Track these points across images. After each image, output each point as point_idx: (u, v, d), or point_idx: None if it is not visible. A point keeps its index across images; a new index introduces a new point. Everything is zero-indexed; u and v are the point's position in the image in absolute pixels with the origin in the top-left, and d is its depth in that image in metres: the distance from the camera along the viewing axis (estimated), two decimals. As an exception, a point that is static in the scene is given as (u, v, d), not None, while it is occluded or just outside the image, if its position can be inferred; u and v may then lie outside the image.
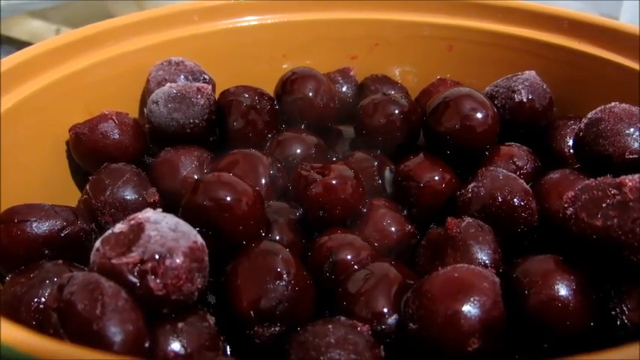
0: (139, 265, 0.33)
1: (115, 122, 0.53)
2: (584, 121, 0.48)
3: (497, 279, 0.37)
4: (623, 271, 0.36)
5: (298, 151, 0.55)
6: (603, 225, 0.36)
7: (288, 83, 0.59)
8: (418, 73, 0.69)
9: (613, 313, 0.36)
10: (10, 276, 0.39)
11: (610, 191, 0.36)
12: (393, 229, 0.47)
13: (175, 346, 0.34)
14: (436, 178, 0.50)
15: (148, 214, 0.36)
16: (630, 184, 0.36)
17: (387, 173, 0.54)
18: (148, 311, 0.33)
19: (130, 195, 0.49)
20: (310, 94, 0.58)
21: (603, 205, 0.36)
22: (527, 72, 0.55)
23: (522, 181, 0.46)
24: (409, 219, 0.49)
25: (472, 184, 0.46)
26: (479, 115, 0.50)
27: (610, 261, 0.36)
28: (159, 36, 0.62)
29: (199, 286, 0.36)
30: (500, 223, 0.44)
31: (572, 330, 0.36)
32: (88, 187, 0.50)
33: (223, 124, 0.57)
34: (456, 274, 0.36)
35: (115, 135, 0.52)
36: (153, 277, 0.33)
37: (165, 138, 0.54)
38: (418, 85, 0.67)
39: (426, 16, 0.66)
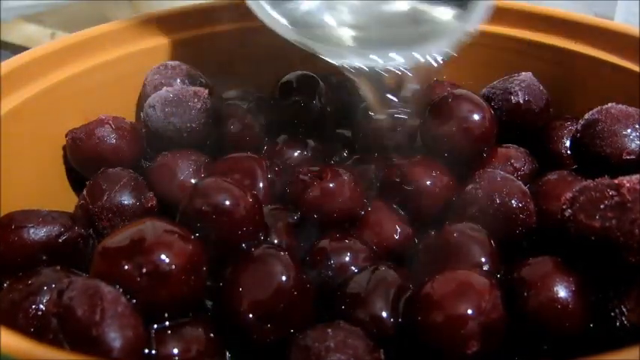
0: (138, 270, 0.33)
1: (111, 127, 0.52)
2: (581, 122, 0.48)
3: (495, 281, 0.37)
4: (622, 272, 0.36)
5: (296, 154, 0.55)
6: (602, 226, 0.36)
7: (285, 86, 0.59)
8: (415, 75, 0.68)
9: (612, 314, 0.36)
10: (7, 283, 0.39)
11: (608, 192, 0.36)
12: (391, 232, 0.47)
13: (175, 351, 0.35)
14: (434, 180, 0.50)
15: (147, 220, 0.36)
16: (628, 185, 0.36)
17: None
18: (147, 316, 0.33)
19: (127, 200, 0.49)
20: (308, 97, 0.58)
21: (601, 206, 0.36)
22: (523, 73, 0.56)
23: (520, 182, 0.46)
24: (407, 222, 0.49)
25: (470, 186, 0.46)
26: (476, 117, 0.50)
27: (609, 262, 0.36)
28: (155, 39, 0.62)
29: (198, 292, 0.36)
30: (499, 224, 0.44)
31: (571, 331, 0.36)
32: (85, 192, 0.49)
33: (220, 127, 0.57)
34: (454, 278, 0.36)
35: (112, 140, 0.52)
36: (152, 282, 0.33)
37: (162, 142, 0.54)
38: (415, 87, 0.67)
39: (422, 18, 0.66)
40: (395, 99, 0.48)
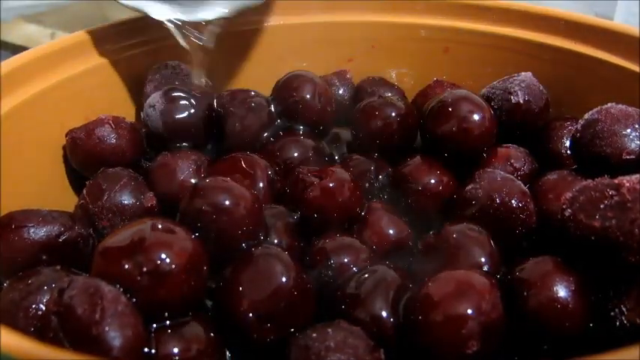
0: (138, 269, 0.33)
1: (111, 127, 0.52)
2: (581, 122, 0.48)
3: (495, 281, 0.37)
4: (622, 272, 0.36)
5: (295, 154, 0.55)
6: (601, 226, 0.36)
7: (285, 86, 0.59)
8: (415, 75, 0.69)
9: (612, 313, 0.36)
10: (7, 282, 0.39)
11: (608, 192, 0.36)
12: (391, 232, 0.47)
13: (175, 351, 0.35)
14: (434, 180, 0.50)
15: (147, 219, 0.36)
16: (628, 184, 0.36)
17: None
18: (147, 316, 0.33)
19: (127, 200, 0.49)
20: (307, 96, 0.58)
21: (601, 206, 0.36)
22: (523, 73, 0.56)
23: (520, 182, 0.46)
24: (407, 222, 0.49)
25: (470, 186, 0.46)
26: (476, 117, 0.50)
27: (608, 262, 0.36)
28: (155, 39, 0.62)
29: (199, 291, 0.36)
30: (499, 224, 0.44)
31: (571, 331, 0.36)
32: (84, 192, 0.49)
33: (220, 127, 0.57)
34: (454, 277, 0.36)
35: (112, 139, 0.52)
36: (152, 281, 0.33)
37: (162, 142, 0.54)
38: (414, 87, 0.67)
39: (422, 18, 0.66)
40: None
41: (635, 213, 0.35)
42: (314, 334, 0.35)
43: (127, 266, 0.33)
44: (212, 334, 0.37)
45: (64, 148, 0.54)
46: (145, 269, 0.33)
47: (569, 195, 0.39)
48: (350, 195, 0.46)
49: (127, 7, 0.54)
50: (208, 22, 0.55)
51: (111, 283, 0.33)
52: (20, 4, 1.11)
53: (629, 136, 0.45)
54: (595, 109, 0.47)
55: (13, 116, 0.50)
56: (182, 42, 0.55)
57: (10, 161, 0.48)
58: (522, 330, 0.37)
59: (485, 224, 0.43)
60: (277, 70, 0.64)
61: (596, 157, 0.46)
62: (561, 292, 0.37)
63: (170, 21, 0.54)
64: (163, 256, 0.34)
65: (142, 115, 0.56)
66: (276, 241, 0.44)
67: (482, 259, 0.41)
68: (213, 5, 0.55)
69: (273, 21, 0.68)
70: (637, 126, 0.45)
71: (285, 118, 0.59)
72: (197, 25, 0.55)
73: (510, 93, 0.54)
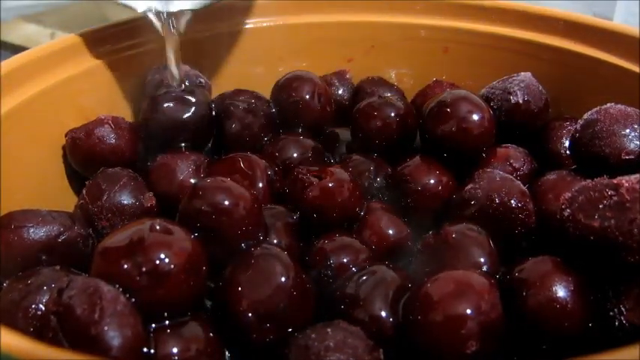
0: (137, 269, 0.33)
1: (111, 127, 0.53)
2: (580, 122, 0.48)
3: (494, 281, 0.37)
4: (621, 272, 0.36)
5: (295, 154, 0.55)
6: (600, 226, 0.36)
7: (285, 86, 0.59)
8: (414, 75, 0.69)
9: (611, 313, 0.36)
10: (7, 282, 0.39)
11: (607, 192, 0.36)
12: (390, 232, 0.47)
13: (174, 350, 0.34)
14: (433, 180, 0.50)
15: (147, 219, 0.36)
16: (627, 184, 0.36)
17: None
18: (146, 316, 0.34)
19: (126, 200, 0.49)
20: (307, 96, 0.58)
21: (600, 206, 0.36)
22: (522, 73, 0.56)
23: (519, 182, 0.46)
24: (406, 222, 0.49)
25: (469, 186, 0.46)
26: (475, 118, 0.50)
27: (608, 262, 0.36)
28: (155, 39, 0.62)
29: (198, 291, 0.36)
30: (498, 224, 0.44)
31: (570, 331, 0.36)
32: (84, 192, 0.49)
33: (220, 127, 0.57)
34: (453, 278, 0.36)
35: (112, 139, 0.52)
36: (151, 281, 0.33)
37: (161, 142, 0.54)
38: (414, 87, 0.67)
39: (422, 18, 0.66)
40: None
41: (634, 213, 0.35)
42: (314, 334, 0.35)
43: (126, 266, 0.33)
44: (211, 334, 0.37)
45: (63, 148, 0.54)
46: (144, 269, 0.33)
47: (568, 195, 0.39)
48: (349, 195, 0.46)
49: (116, 2, 0.55)
50: (183, 13, 0.56)
51: (110, 283, 0.33)
52: (20, 4, 1.11)
53: (628, 136, 0.45)
54: (594, 109, 0.47)
55: (13, 116, 0.50)
56: (161, 31, 0.55)
57: (10, 161, 0.48)
58: (522, 330, 0.37)
59: (485, 224, 0.43)
60: (277, 70, 0.64)
61: (595, 157, 0.46)
62: (560, 292, 0.37)
63: (150, 11, 0.54)
64: (162, 256, 0.34)
65: (141, 115, 0.56)
66: (275, 241, 0.44)
67: (482, 259, 0.41)
68: None
69: (274, 21, 0.68)
70: (636, 126, 0.45)
71: (284, 118, 0.59)
72: (173, 15, 0.55)
73: (510, 93, 0.54)
